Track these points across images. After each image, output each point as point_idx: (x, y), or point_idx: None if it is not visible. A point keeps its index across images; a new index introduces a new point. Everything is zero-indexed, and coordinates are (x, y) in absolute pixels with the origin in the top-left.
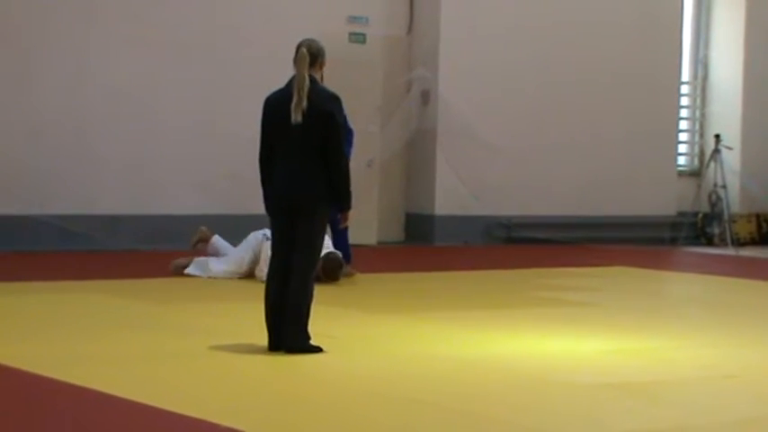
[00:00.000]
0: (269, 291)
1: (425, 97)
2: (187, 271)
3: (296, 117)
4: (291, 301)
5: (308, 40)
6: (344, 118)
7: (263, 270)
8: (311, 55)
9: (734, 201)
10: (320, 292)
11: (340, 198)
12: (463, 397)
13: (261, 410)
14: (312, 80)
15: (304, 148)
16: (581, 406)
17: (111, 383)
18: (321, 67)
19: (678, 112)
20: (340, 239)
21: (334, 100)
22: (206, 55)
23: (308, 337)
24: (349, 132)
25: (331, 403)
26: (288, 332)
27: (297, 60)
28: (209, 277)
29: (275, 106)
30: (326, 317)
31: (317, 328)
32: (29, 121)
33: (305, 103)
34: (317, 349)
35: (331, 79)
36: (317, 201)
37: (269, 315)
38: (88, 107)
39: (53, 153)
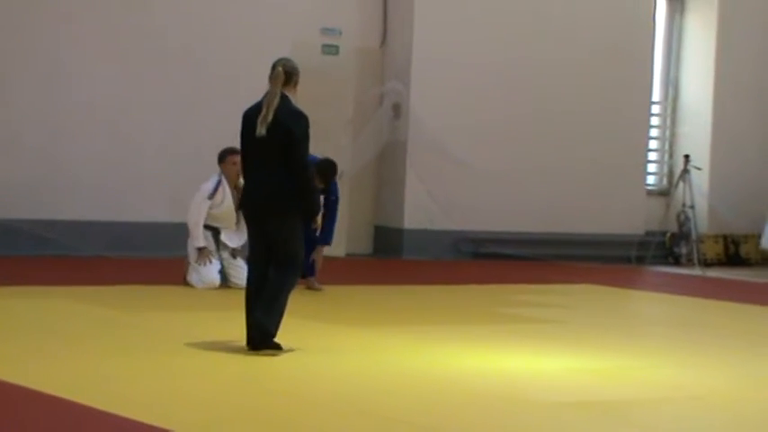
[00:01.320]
0: (247, 288)
1: (397, 111)
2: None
3: (260, 130)
4: (267, 296)
5: (284, 59)
6: (335, 185)
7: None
8: (286, 74)
9: (702, 221)
10: (291, 304)
11: (307, 208)
12: (425, 412)
13: (215, 421)
14: (283, 97)
15: (268, 159)
16: (544, 425)
17: (61, 384)
18: (295, 86)
19: (648, 132)
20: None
21: (298, 116)
22: (178, 64)
23: (274, 335)
24: (334, 202)
25: (288, 416)
26: (258, 324)
27: (272, 78)
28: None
29: (247, 119)
30: (292, 328)
31: (282, 339)
32: (2, 127)
33: (270, 118)
34: (279, 347)
35: (303, 90)
36: (282, 208)
37: (247, 310)
38: (60, 116)
39: (25, 160)
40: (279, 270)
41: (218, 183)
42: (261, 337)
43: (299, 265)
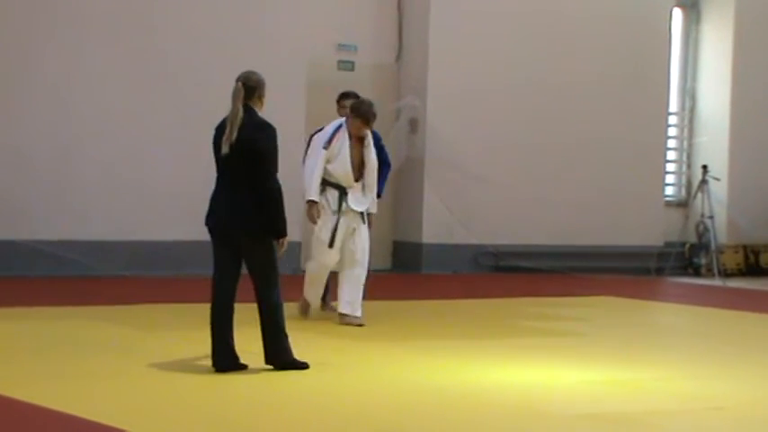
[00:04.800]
0: (215, 307)
1: (414, 126)
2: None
3: (224, 149)
4: (268, 322)
5: (247, 72)
6: (382, 148)
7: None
8: (247, 88)
9: (721, 231)
10: (305, 319)
11: (273, 226)
12: (443, 426)
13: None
14: (248, 111)
15: (234, 178)
16: None
17: (72, 404)
18: (260, 99)
19: (666, 143)
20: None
21: (262, 129)
22: (191, 83)
23: (291, 352)
24: (386, 165)
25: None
26: (272, 351)
27: (233, 94)
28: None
29: (215, 138)
30: (311, 344)
31: (300, 354)
32: (17, 148)
33: (234, 136)
34: (303, 365)
35: (320, 106)
36: (254, 228)
37: (212, 330)
38: (73, 136)
39: (42, 180)
40: (265, 295)
41: (338, 129)
42: (286, 367)
43: (279, 282)
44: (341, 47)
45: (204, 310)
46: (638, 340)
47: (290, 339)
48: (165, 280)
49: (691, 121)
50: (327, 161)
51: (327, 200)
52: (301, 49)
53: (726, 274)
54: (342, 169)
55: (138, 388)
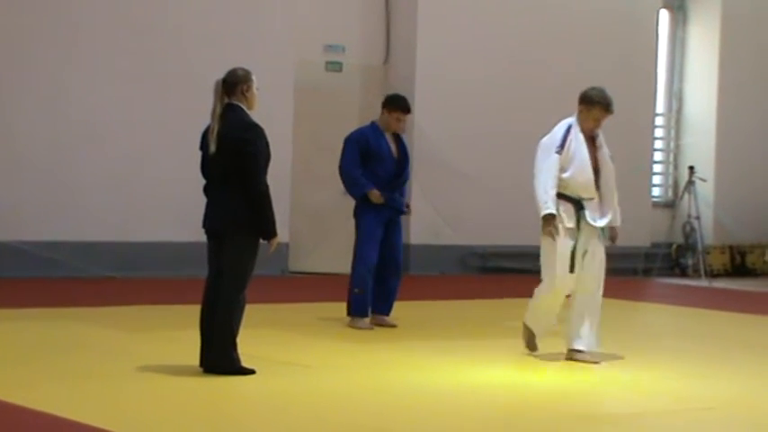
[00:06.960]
0: (202, 308)
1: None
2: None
3: (212, 147)
4: (217, 323)
5: (232, 69)
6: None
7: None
8: (227, 84)
9: (708, 232)
10: (295, 321)
11: (261, 226)
12: (435, 428)
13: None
14: (233, 109)
15: (222, 177)
16: None
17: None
18: (244, 93)
19: (653, 144)
20: (390, 287)
21: (248, 129)
22: (181, 84)
23: (235, 359)
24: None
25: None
26: (213, 354)
27: (213, 91)
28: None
29: (202, 138)
30: (299, 345)
31: (290, 355)
32: (7, 149)
33: (216, 132)
34: (248, 371)
35: (306, 107)
36: (235, 228)
37: (201, 330)
38: (64, 137)
39: (30, 182)
40: (225, 294)
41: (568, 129)
42: (226, 372)
43: (244, 280)
44: (328, 48)
45: (193, 311)
46: (626, 341)
47: (240, 349)
48: (154, 281)
49: (677, 122)
50: (561, 169)
51: (561, 215)
52: (289, 50)
53: (712, 274)
54: (582, 177)
55: (127, 390)
